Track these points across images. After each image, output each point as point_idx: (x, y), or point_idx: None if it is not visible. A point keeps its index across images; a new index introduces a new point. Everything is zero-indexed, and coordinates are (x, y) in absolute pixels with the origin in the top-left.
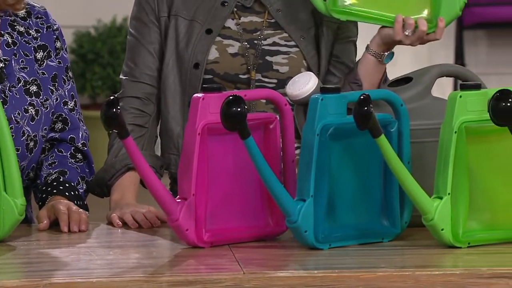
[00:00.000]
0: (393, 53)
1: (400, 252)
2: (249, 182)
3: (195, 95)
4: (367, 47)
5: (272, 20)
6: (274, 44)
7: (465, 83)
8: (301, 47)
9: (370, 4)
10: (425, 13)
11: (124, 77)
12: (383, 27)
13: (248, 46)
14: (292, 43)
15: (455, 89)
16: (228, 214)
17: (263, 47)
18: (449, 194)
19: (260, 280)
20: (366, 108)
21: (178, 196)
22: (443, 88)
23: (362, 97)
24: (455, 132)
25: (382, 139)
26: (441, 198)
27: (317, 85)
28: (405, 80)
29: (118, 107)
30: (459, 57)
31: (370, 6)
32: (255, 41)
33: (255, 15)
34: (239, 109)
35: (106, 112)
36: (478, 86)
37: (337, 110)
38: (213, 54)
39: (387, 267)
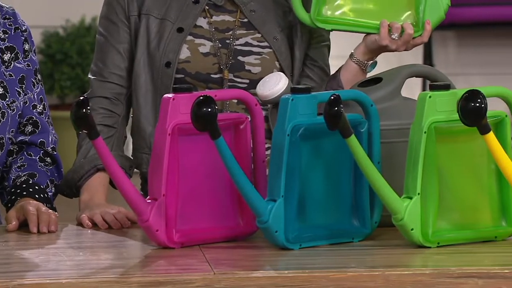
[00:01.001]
0: (376, 62)
1: (370, 252)
2: (220, 182)
3: (166, 95)
4: (351, 55)
5: (245, 20)
6: (247, 44)
7: (435, 84)
8: (274, 48)
9: (354, 12)
10: (409, 18)
11: (93, 77)
12: (368, 34)
13: (220, 45)
14: (265, 43)
15: (423, 89)
16: (199, 215)
17: (235, 47)
18: (418, 194)
19: (230, 280)
20: (336, 108)
21: (148, 197)
22: (411, 88)
23: (332, 97)
24: (425, 132)
25: (352, 139)
26: (410, 198)
27: (288, 86)
28: (375, 81)
29: (88, 108)
30: (428, 58)
31: (354, 15)
32: (227, 41)
33: (227, 14)
34: (209, 110)
35: (76, 112)
36: (447, 87)
37: (308, 111)
38: (185, 53)
39: (357, 267)
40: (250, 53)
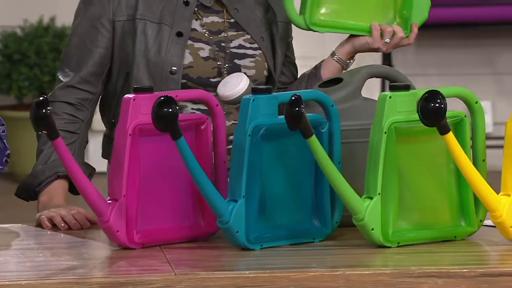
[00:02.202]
0: (354, 60)
1: (331, 252)
2: (181, 183)
3: (126, 96)
4: (333, 53)
5: (232, 20)
6: (240, 47)
7: (395, 84)
8: (263, 49)
9: (341, 14)
10: (393, 19)
11: (60, 79)
12: (353, 36)
13: (217, 49)
14: (255, 45)
15: (383, 90)
16: (160, 215)
17: (231, 50)
18: (379, 194)
19: (191, 281)
20: (297, 108)
21: (108, 197)
22: (371, 89)
23: (293, 98)
24: (385, 132)
25: (313, 139)
26: (371, 198)
27: (249, 86)
28: (335, 81)
29: (48, 108)
30: (387, 58)
31: (342, 17)
32: (222, 44)
33: (215, 14)
34: (170, 110)
35: (36, 112)
36: (407, 87)
37: (269, 111)
38: (188, 58)
39: (318, 267)
40: (244, 56)
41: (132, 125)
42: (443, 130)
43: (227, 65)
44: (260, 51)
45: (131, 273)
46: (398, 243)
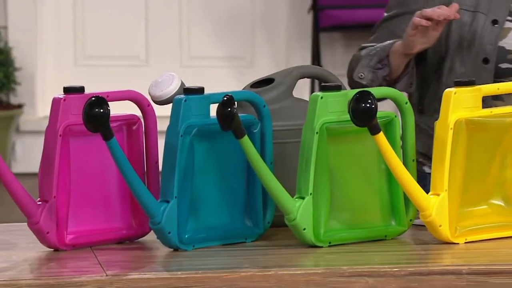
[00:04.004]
0: None
1: (263, 252)
2: (112, 183)
3: (56, 95)
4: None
5: None
6: None
7: (326, 85)
8: None
9: None
10: None
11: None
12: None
13: None
14: None
15: (312, 90)
16: (91, 216)
17: None
18: (311, 194)
19: (123, 282)
20: (229, 109)
21: (38, 199)
22: (300, 89)
23: (225, 98)
24: (317, 132)
25: (245, 140)
26: (303, 198)
27: (180, 86)
28: (267, 81)
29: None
30: (316, 59)
31: None
32: None
33: None
34: (101, 110)
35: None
36: (338, 87)
37: (201, 111)
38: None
39: (250, 267)
40: None
41: (62, 126)
42: (374, 130)
43: None
44: None
45: (61, 275)
46: (330, 242)
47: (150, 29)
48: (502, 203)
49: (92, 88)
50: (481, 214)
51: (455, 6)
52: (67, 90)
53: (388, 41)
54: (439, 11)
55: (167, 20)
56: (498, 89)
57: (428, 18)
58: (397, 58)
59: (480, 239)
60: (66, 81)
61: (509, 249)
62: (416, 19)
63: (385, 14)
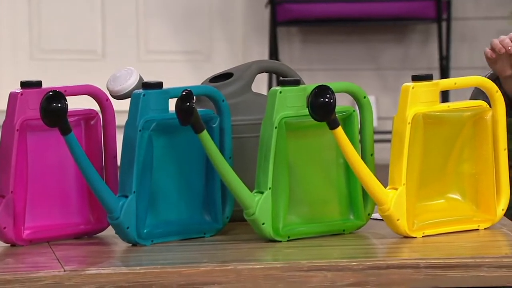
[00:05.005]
0: None
1: (222, 247)
2: (71, 178)
3: (13, 90)
4: None
5: None
6: None
7: (285, 79)
8: None
9: None
10: None
11: None
12: None
13: None
14: None
15: (270, 85)
16: (48, 211)
17: None
18: (270, 188)
19: (81, 277)
20: (188, 103)
21: None
22: (258, 84)
23: (184, 92)
24: (276, 127)
25: (204, 134)
26: (262, 192)
27: (139, 81)
28: (225, 76)
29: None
30: (274, 53)
31: None
32: None
33: None
34: (59, 105)
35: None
36: (297, 82)
37: (159, 106)
38: None
39: (209, 262)
40: None
41: (19, 121)
42: (333, 125)
43: None
44: None
45: (18, 270)
46: (289, 237)
47: (107, 23)
48: (459, 197)
49: (49, 82)
50: (438, 208)
51: None
52: (24, 85)
53: None
54: (499, 46)
55: (124, 14)
56: (455, 83)
57: (493, 50)
58: (505, 82)
59: (437, 233)
60: (22, 75)
61: (466, 242)
62: (486, 50)
63: None
